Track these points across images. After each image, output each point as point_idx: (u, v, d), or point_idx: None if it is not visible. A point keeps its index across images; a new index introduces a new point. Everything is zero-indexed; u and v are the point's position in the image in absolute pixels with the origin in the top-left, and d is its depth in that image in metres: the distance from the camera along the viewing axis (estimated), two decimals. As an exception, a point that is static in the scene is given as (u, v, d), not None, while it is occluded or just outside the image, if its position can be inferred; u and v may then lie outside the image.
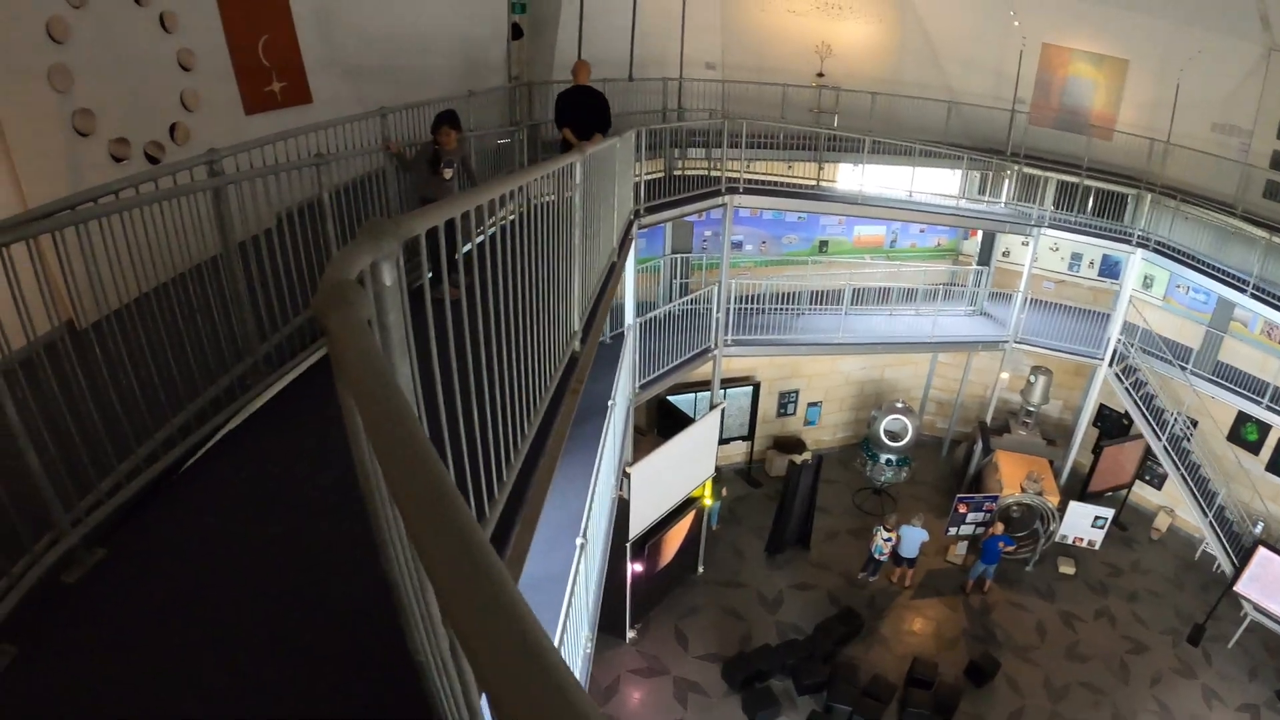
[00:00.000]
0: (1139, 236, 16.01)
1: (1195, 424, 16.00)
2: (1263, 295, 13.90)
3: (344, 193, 6.00)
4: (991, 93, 18.34)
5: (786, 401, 18.70)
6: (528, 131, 11.01)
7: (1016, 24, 16.93)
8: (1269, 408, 14.70)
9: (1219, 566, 15.42)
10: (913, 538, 14.44)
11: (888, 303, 17.56)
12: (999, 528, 14.67)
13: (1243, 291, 14.14)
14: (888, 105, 17.50)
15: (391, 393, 1.07)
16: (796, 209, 15.39)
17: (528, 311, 3.54)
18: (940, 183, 16.47)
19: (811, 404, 19.01)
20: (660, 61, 16.10)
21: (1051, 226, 16.24)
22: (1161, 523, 17.58)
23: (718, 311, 13.98)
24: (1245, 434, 16.28)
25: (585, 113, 9.05)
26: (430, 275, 6.42)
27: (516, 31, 14.57)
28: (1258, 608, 13.68)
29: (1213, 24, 15.91)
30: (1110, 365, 16.83)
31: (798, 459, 15.86)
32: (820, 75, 18.21)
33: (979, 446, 17.39)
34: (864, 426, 18.55)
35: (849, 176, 16.23)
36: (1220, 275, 14.71)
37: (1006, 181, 16.92)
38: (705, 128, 13.90)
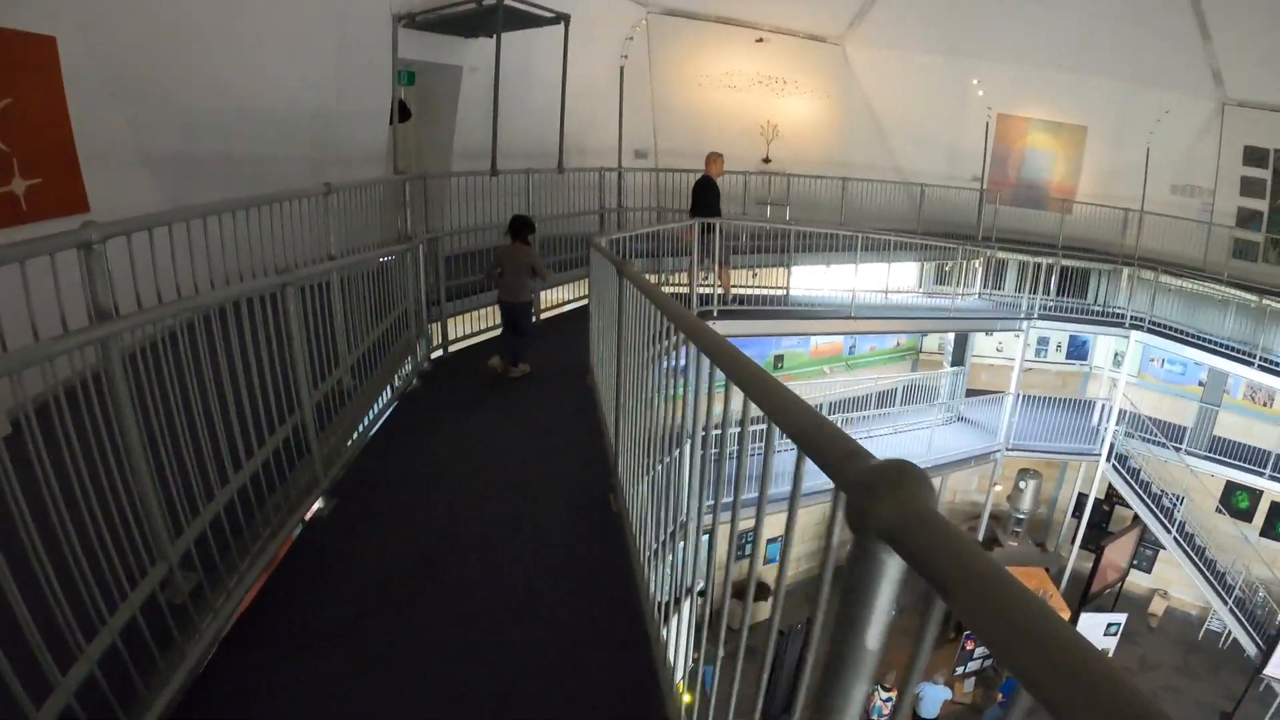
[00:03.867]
0: (1132, 318, 14.79)
1: (1180, 499, 15.07)
2: (1271, 366, 13.28)
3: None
4: (943, 171, 16.72)
5: (744, 542, 15.89)
6: (424, 248, 7.57)
7: (981, 93, 15.34)
8: (1275, 477, 14.27)
9: (1226, 643, 15.07)
10: (935, 697, 12.61)
11: (861, 420, 15.26)
12: None
13: (1249, 364, 13.42)
14: (840, 192, 15.37)
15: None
16: (790, 332, 12.83)
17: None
18: (900, 277, 14.48)
19: (771, 540, 16.23)
20: (582, 150, 13.48)
21: (1042, 317, 14.41)
22: (1157, 607, 16.58)
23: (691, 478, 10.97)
24: (1236, 502, 15.69)
25: (702, 201, 10.50)
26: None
27: (404, 113, 11.36)
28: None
29: (1165, 82, 15.16)
30: (1108, 459, 15.39)
31: (768, 611, 12.97)
32: (766, 160, 16.01)
33: (971, 567, 15.17)
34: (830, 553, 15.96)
35: (810, 279, 13.92)
36: (1223, 350, 13.92)
37: (979, 269, 15.05)
38: (662, 232, 10.98)
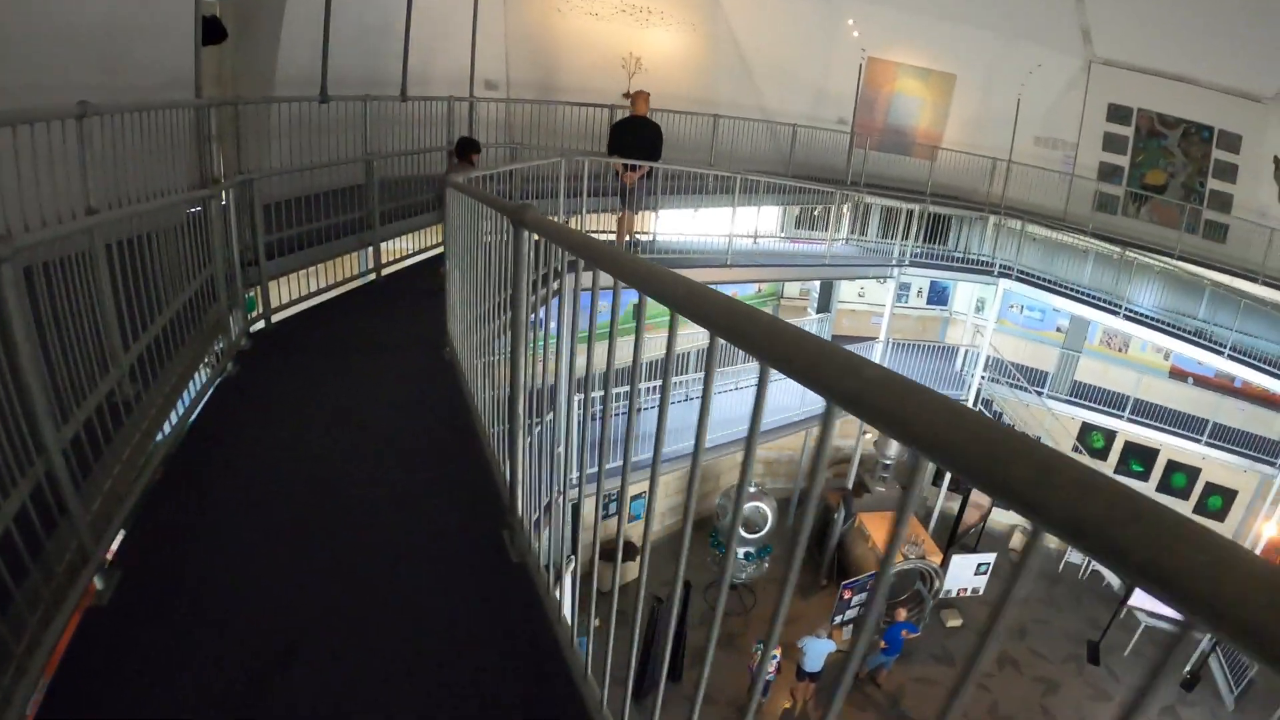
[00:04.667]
0: (1001, 267, 15.03)
1: (1038, 440, 15.32)
2: (1136, 316, 13.97)
3: None
4: (808, 113, 16.12)
5: (609, 501, 15.18)
6: (235, 193, 5.76)
7: (856, 34, 14.77)
8: (1132, 420, 15.23)
9: (1085, 574, 16.15)
10: (818, 650, 12.18)
11: (731, 373, 14.63)
12: (901, 614, 13.00)
13: (1115, 313, 14.08)
14: (708, 131, 14.41)
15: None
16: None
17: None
18: (765, 222, 13.94)
19: (635, 497, 15.59)
20: (426, 80, 11.81)
21: (914, 264, 14.23)
22: (1017, 542, 17.17)
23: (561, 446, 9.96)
24: (1092, 442, 16.47)
25: (635, 143, 9.77)
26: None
27: (214, 31, 9.27)
28: (1151, 614, 13.57)
29: (1036, 36, 15.27)
30: (975, 404, 15.69)
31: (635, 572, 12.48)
32: (628, 95, 14.78)
33: (840, 514, 15.36)
34: (698, 506, 15.69)
35: (676, 225, 13.03)
36: (1089, 299, 14.50)
37: (847, 215, 14.69)
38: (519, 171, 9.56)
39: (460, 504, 3.79)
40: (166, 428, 3.93)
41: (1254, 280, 14.08)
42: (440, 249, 8.53)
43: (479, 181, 5.66)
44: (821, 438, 1.10)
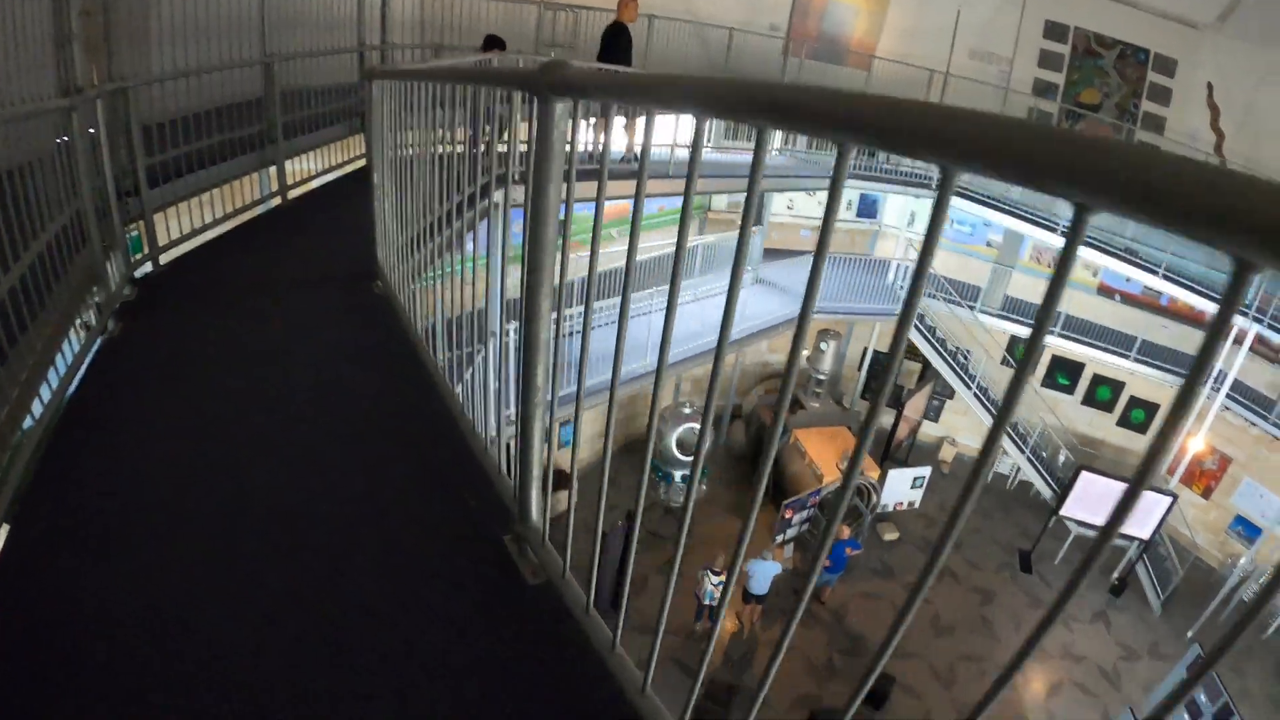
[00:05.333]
0: (938, 181, 14.46)
1: (969, 353, 15.84)
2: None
3: None
4: (739, 18, 15.25)
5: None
6: (105, 105, 4.69)
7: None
8: (1062, 335, 15.56)
9: (1013, 484, 16.95)
10: (765, 573, 12.25)
11: (664, 292, 14.05)
12: (845, 532, 12.97)
13: (1053, 230, 14.27)
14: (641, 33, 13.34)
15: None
16: (620, 195, 11.01)
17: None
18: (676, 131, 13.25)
19: (564, 423, 15.04)
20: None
21: (851, 176, 13.77)
22: (947, 454, 17.78)
23: (496, 380, 9.25)
24: (1019, 354, 16.69)
25: (614, 49, 9.84)
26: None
27: None
28: (1081, 524, 13.96)
29: None
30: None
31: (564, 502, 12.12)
32: (550, -7, 13.61)
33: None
34: (625, 427, 15.95)
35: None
36: (1027, 216, 14.77)
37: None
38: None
39: (435, 496, 3.05)
40: (35, 411, 3.09)
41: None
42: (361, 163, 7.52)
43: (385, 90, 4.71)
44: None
